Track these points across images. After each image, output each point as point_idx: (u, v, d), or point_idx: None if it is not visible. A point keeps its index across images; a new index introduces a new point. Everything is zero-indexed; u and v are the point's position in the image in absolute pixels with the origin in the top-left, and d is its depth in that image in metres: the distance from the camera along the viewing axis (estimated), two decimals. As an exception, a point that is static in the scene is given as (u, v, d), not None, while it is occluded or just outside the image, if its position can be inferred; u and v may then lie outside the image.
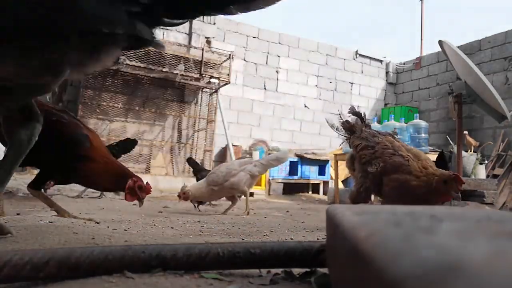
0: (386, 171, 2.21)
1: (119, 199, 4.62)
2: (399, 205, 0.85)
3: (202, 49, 7.93)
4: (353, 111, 2.77)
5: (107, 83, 7.84)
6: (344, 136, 2.65)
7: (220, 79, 8.13)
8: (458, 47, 8.75)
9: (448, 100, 9.25)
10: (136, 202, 2.39)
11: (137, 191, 2.27)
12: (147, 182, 2.46)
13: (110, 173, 2.26)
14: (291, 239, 2.01)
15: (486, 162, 7.65)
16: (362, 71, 10.90)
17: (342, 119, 2.72)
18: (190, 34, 8.84)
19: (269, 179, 8.57)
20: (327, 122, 2.73)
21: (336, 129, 2.80)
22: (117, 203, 4.19)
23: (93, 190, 4.75)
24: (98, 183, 2.35)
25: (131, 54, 7.43)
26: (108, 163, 2.28)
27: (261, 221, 2.97)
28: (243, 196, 3.98)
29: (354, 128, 2.59)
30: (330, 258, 0.77)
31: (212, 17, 9.00)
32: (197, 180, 4.49)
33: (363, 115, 2.68)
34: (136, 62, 7.44)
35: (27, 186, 2.15)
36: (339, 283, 0.62)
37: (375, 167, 2.22)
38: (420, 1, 12.43)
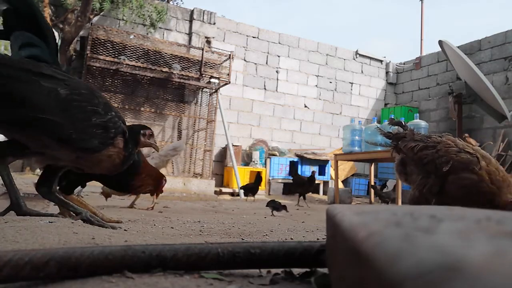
0: (453, 169, 2.11)
1: (119, 199, 4.62)
2: (465, 207, 0.81)
3: (202, 49, 7.93)
4: (392, 122, 2.75)
5: (106, 83, 7.84)
6: (391, 145, 2.57)
7: (220, 79, 8.13)
8: (458, 47, 8.77)
9: (448, 100, 9.28)
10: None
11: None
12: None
13: (152, 180, 2.40)
14: (291, 239, 2.01)
15: (486, 162, 7.64)
16: (362, 71, 10.91)
17: (382, 131, 2.67)
18: (190, 34, 8.85)
19: (269, 179, 8.57)
20: (381, 131, 2.68)
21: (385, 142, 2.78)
22: (117, 202, 4.19)
23: (92, 190, 4.74)
24: (143, 190, 2.51)
25: (131, 54, 7.43)
26: (150, 173, 2.43)
27: (261, 221, 2.97)
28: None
29: (400, 135, 2.51)
30: (330, 258, 0.77)
31: (212, 17, 9.01)
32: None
33: (403, 123, 2.64)
34: (136, 62, 7.44)
35: (60, 190, 2.07)
36: (339, 283, 0.62)
37: (447, 166, 2.11)
38: (420, 1, 12.45)
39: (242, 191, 7.29)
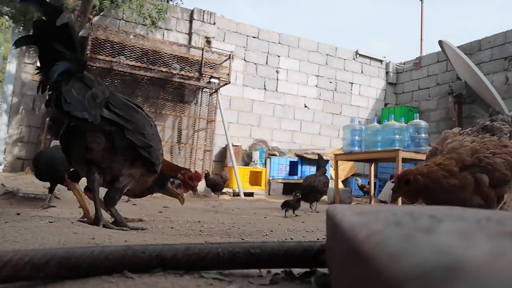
0: None
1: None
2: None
3: (202, 49, 7.93)
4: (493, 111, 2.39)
5: (106, 83, 7.83)
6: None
7: (220, 79, 8.12)
8: (458, 47, 8.77)
9: (448, 100, 9.28)
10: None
11: (189, 182, 2.43)
12: (196, 170, 2.68)
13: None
14: (291, 239, 2.01)
15: (486, 162, 7.63)
16: (362, 71, 10.90)
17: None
18: (190, 34, 8.84)
19: (269, 179, 8.57)
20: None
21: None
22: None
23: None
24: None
25: (130, 54, 7.43)
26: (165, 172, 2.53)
27: (261, 221, 2.97)
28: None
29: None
30: (330, 258, 0.77)
31: (212, 17, 9.01)
32: None
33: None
34: (136, 62, 7.43)
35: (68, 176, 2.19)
36: (339, 283, 0.62)
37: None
38: (420, 1, 12.44)
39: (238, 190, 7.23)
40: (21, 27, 7.48)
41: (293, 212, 3.83)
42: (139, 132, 1.80)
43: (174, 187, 2.31)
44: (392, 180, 2.16)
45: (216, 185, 6.38)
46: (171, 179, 2.27)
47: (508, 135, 2.05)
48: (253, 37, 9.61)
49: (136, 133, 1.79)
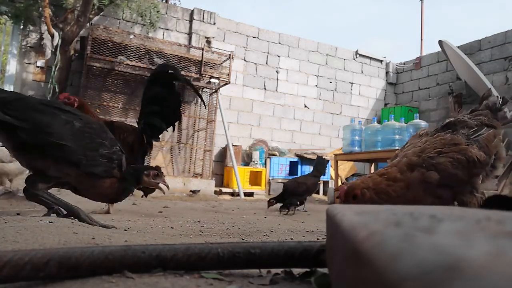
0: None
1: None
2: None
3: (202, 49, 7.93)
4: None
5: (107, 83, 7.83)
6: None
7: (220, 79, 8.13)
8: (458, 47, 8.77)
9: (448, 100, 9.27)
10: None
11: None
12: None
13: None
14: (291, 239, 2.01)
15: (486, 162, 7.62)
16: (362, 71, 10.90)
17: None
18: (190, 34, 8.84)
19: (269, 179, 8.57)
20: None
21: None
22: (117, 203, 4.18)
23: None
24: None
25: (131, 54, 7.43)
26: None
27: (261, 221, 2.97)
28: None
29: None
30: (330, 258, 0.77)
31: (212, 17, 9.01)
32: None
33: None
34: (136, 62, 7.44)
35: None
36: (339, 283, 0.62)
37: None
38: (420, 1, 12.44)
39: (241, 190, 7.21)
40: (21, 27, 7.48)
41: (293, 209, 3.99)
42: (42, 132, 1.86)
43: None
44: (338, 196, 2.15)
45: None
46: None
47: (475, 129, 2.02)
48: (253, 37, 9.61)
49: (37, 133, 1.85)
